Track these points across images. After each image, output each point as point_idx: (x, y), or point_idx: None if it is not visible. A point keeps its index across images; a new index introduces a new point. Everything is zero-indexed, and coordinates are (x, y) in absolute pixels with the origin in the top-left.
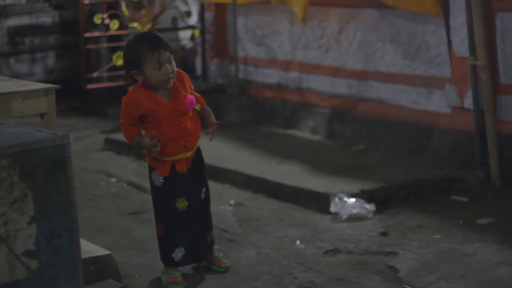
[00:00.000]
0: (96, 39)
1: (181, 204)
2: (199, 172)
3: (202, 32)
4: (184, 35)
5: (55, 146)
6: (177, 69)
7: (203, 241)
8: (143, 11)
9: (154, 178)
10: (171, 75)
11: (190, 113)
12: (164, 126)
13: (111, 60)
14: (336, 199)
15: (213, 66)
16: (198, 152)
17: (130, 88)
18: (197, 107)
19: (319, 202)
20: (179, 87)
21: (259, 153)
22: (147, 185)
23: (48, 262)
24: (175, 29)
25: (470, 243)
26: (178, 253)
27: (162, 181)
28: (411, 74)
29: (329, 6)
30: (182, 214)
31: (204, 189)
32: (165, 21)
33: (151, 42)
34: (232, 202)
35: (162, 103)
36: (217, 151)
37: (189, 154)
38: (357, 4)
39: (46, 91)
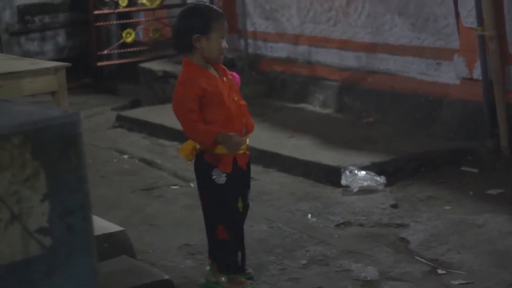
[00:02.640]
0: (105, 17)
1: (240, 204)
2: (249, 172)
3: None
4: None
5: (66, 123)
6: None
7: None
8: None
9: (216, 176)
10: (225, 52)
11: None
12: (227, 102)
13: (121, 37)
14: (347, 172)
15: None
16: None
17: (183, 66)
18: None
19: (330, 175)
20: (223, 67)
21: (270, 127)
22: (159, 161)
23: (61, 239)
24: (184, 5)
25: (480, 214)
26: (239, 257)
27: (225, 178)
28: (419, 45)
29: None
30: (240, 216)
31: (249, 191)
32: None
33: (218, 12)
34: None
35: (217, 78)
36: None
37: (247, 142)
38: None
39: (57, 69)
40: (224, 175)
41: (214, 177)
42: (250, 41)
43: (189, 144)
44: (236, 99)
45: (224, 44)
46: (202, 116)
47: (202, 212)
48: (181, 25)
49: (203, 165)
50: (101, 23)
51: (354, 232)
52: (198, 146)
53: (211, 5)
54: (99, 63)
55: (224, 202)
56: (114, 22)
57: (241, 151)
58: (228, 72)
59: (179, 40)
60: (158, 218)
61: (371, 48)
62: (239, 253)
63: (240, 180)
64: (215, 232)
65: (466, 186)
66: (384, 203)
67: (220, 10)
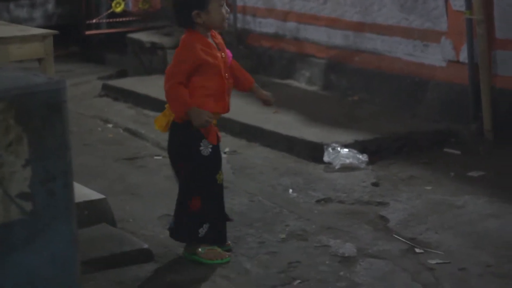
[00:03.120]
0: None
1: (220, 176)
2: None
3: None
4: None
5: (51, 90)
6: None
7: (225, 220)
8: None
9: (203, 147)
10: (228, 15)
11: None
12: (223, 75)
13: (110, 6)
14: (330, 149)
15: None
16: None
17: (183, 36)
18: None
19: (313, 151)
20: (222, 42)
21: (255, 102)
22: (143, 131)
23: (43, 205)
24: None
25: (460, 195)
26: (204, 229)
27: (210, 150)
28: (407, 27)
29: None
30: (219, 188)
31: None
32: None
33: None
34: (226, 150)
35: (217, 51)
36: None
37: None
38: None
39: (44, 37)
40: (211, 146)
41: (201, 148)
42: (239, 15)
43: (165, 116)
44: (227, 76)
45: (225, 9)
46: (198, 83)
47: (178, 181)
48: (178, 3)
49: (190, 135)
50: None
51: (334, 209)
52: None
53: None
54: (88, 32)
55: (205, 174)
56: None
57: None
58: (225, 48)
59: (179, 16)
60: (140, 187)
61: (359, 27)
62: (205, 226)
63: (220, 153)
64: (188, 202)
65: (448, 168)
66: (365, 181)
67: None
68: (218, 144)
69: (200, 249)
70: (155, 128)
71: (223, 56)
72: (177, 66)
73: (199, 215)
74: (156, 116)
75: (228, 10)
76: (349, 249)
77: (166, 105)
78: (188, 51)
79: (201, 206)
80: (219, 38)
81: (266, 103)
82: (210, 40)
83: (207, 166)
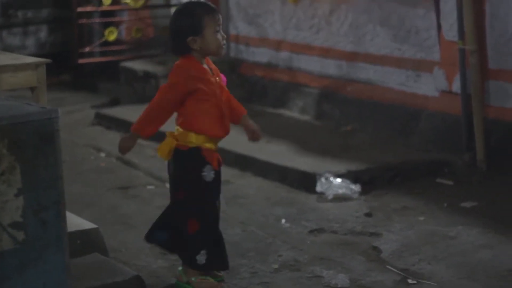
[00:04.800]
0: (88, 14)
1: (218, 202)
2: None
3: None
4: None
5: (43, 120)
6: None
7: (223, 245)
8: None
9: (207, 172)
10: (225, 42)
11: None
12: (219, 101)
13: (103, 35)
14: (323, 179)
15: None
16: None
17: (176, 62)
18: None
19: (306, 181)
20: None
21: None
22: (136, 160)
23: (35, 234)
24: (168, 5)
25: (453, 225)
26: (202, 256)
27: (213, 176)
28: (400, 57)
29: None
30: (217, 214)
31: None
32: None
33: (208, 6)
34: None
35: (211, 75)
36: None
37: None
38: None
39: (37, 65)
40: (213, 172)
41: (204, 173)
42: (232, 44)
43: (167, 144)
44: (223, 99)
45: (222, 35)
46: (194, 107)
47: (173, 206)
48: (173, 28)
49: (196, 160)
50: (83, 21)
51: (327, 239)
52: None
53: (201, 1)
54: (81, 60)
55: (206, 199)
56: (97, 20)
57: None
58: (219, 73)
59: (175, 43)
60: (133, 217)
61: (352, 57)
62: (202, 252)
63: (219, 179)
64: (187, 225)
65: (441, 198)
66: (358, 211)
67: (210, 4)
68: (219, 169)
69: (193, 279)
70: (159, 156)
71: (218, 80)
72: (169, 90)
73: (196, 239)
74: (148, 145)
75: (225, 36)
76: (342, 280)
77: (167, 132)
78: (179, 77)
79: (198, 230)
80: (212, 64)
81: (252, 136)
82: (204, 66)
83: (208, 193)
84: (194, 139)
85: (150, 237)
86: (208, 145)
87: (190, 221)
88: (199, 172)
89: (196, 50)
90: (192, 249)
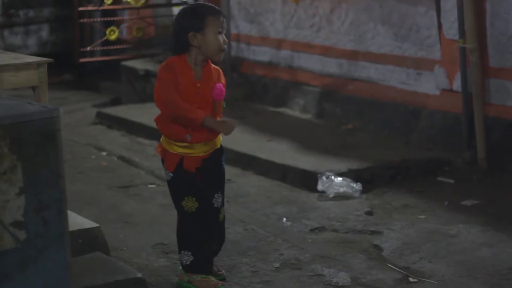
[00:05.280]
0: (90, 13)
1: (189, 204)
2: (213, 176)
3: None
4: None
5: (45, 119)
6: (215, 66)
7: (211, 252)
8: None
9: (165, 171)
10: (225, 47)
11: (216, 108)
12: (190, 103)
13: (104, 34)
14: (324, 178)
15: None
16: (217, 155)
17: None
18: (223, 104)
19: (307, 180)
20: (213, 75)
21: (249, 130)
22: (137, 159)
23: (36, 233)
24: (169, 4)
25: (454, 224)
26: (185, 256)
27: (171, 175)
28: (401, 55)
29: None
30: (190, 216)
31: (217, 195)
32: None
33: (214, 8)
34: None
35: (192, 79)
36: None
37: (205, 150)
38: None
39: (38, 64)
40: (170, 173)
41: (165, 171)
42: (233, 43)
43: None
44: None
45: (223, 39)
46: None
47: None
48: (176, 26)
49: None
50: (85, 20)
51: (328, 238)
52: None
53: (206, 3)
54: (82, 60)
55: (172, 197)
56: (98, 19)
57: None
58: (214, 83)
59: (176, 41)
60: (134, 216)
61: (353, 55)
62: (184, 253)
63: (186, 181)
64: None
65: (442, 196)
66: (359, 209)
67: (215, 6)
68: (180, 172)
69: (194, 277)
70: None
71: (198, 86)
72: (167, 86)
73: (178, 237)
74: (150, 143)
75: (227, 41)
76: (343, 278)
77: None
78: (165, 70)
79: (177, 227)
80: (212, 71)
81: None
82: (194, 68)
83: (172, 191)
84: (164, 143)
85: None
86: (174, 148)
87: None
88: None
89: (195, 47)
90: (179, 246)
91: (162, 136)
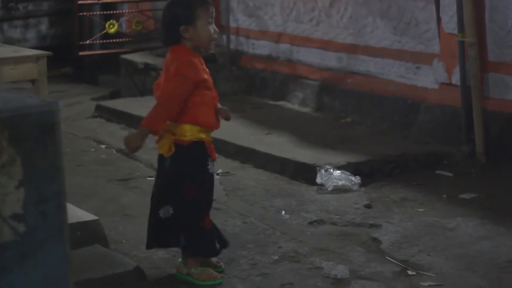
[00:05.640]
0: (89, 7)
1: None
2: None
3: None
4: None
5: (44, 112)
6: None
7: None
8: None
9: (211, 165)
10: (216, 36)
11: None
12: (212, 91)
13: (104, 27)
14: (323, 171)
15: None
16: None
17: (174, 52)
18: None
19: (306, 173)
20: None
21: (248, 124)
22: (136, 153)
23: (35, 226)
24: None
25: (452, 217)
26: (218, 245)
27: (213, 167)
28: (400, 49)
29: None
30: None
31: None
32: None
33: None
34: (219, 171)
35: (205, 67)
36: None
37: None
38: None
39: (38, 58)
40: (213, 163)
41: (209, 166)
42: (232, 37)
43: (167, 140)
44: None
45: (213, 28)
46: (200, 100)
47: (184, 205)
48: (166, 18)
49: (201, 154)
50: (84, 13)
51: (326, 230)
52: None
53: None
54: (81, 53)
55: (212, 191)
56: (98, 12)
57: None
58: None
59: (166, 33)
60: (133, 208)
61: (352, 49)
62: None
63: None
64: (202, 223)
65: (440, 190)
66: (357, 202)
67: None
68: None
69: (193, 270)
70: (159, 153)
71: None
72: (182, 83)
73: (212, 232)
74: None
75: (217, 30)
76: (341, 271)
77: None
78: (190, 69)
79: (211, 223)
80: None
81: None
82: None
83: (213, 183)
84: (189, 131)
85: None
86: (206, 137)
87: (206, 218)
88: (205, 165)
89: (187, 39)
90: (212, 240)
91: (197, 128)
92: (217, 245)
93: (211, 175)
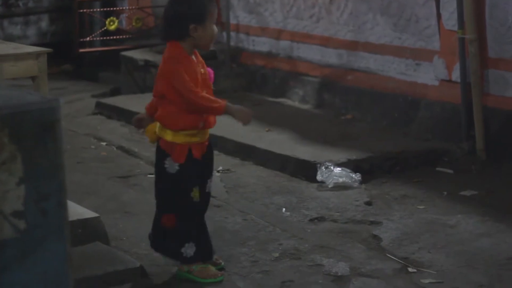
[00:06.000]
0: (89, 3)
1: (196, 194)
2: (210, 161)
3: None
4: None
5: (45, 109)
6: None
7: (209, 236)
8: None
9: (168, 165)
10: (216, 36)
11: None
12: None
13: (104, 24)
14: (323, 168)
15: None
16: (210, 140)
17: (170, 50)
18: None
19: (306, 170)
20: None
21: None
22: (136, 149)
23: (36, 223)
24: None
25: (452, 214)
26: (188, 249)
27: (177, 168)
28: (400, 45)
29: None
30: (197, 206)
31: (210, 180)
32: None
33: None
34: (220, 168)
35: (195, 67)
36: None
37: (207, 136)
38: None
39: (38, 55)
40: (177, 165)
41: (166, 165)
42: (232, 33)
43: (153, 126)
44: (205, 92)
45: (215, 28)
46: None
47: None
48: (176, 12)
49: (158, 152)
50: (84, 10)
51: (327, 228)
52: (156, 130)
53: None
54: (81, 50)
55: (175, 192)
56: (98, 9)
57: (196, 140)
58: (205, 66)
59: (172, 27)
60: (133, 206)
61: (352, 46)
62: (187, 245)
63: (194, 171)
64: (161, 219)
65: (440, 187)
66: (358, 200)
67: None
68: (190, 161)
69: (193, 267)
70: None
71: (203, 72)
72: (183, 79)
73: (177, 234)
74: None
75: (217, 30)
76: (342, 268)
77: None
78: (177, 64)
79: (175, 224)
80: (200, 57)
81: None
82: (192, 57)
83: (175, 185)
84: (170, 137)
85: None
86: (176, 138)
87: (165, 216)
88: (162, 164)
89: (192, 38)
90: (175, 242)
91: (165, 130)
92: (185, 251)
93: (171, 175)
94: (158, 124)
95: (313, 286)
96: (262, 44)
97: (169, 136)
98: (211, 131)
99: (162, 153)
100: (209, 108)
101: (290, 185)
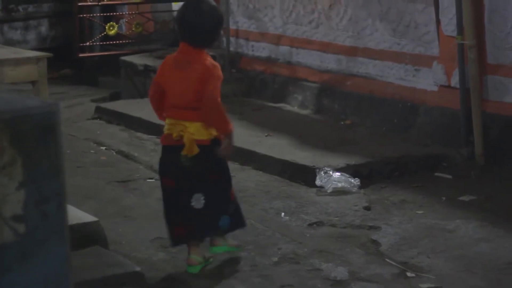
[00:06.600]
0: (89, 8)
1: None
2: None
3: None
4: (177, 7)
5: (45, 113)
6: None
7: None
8: None
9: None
10: None
11: None
12: None
13: (104, 29)
14: (322, 173)
15: None
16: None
17: (201, 56)
18: None
19: (305, 175)
20: None
21: (248, 126)
22: (136, 154)
23: (36, 227)
24: (169, 0)
25: (451, 219)
26: (225, 221)
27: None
28: (399, 51)
29: None
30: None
31: None
32: None
33: None
34: None
35: None
36: None
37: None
38: None
39: (38, 59)
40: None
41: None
42: (232, 39)
43: (192, 142)
44: None
45: None
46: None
47: (215, 189)
48: (213, 22)
49: (206, 151)
50: (84, 15)
51: (326, 232)
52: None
53: None
54: (81, 54)
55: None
56: (98, 14)
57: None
58: None
59: (212, 36)
60: (133, 210)
61: (351, 51)
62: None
63: None
64: (230, 193)
65: (439, 192)
66: (357, 204)
67: None
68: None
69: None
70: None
71: None
72: (217, 86)
73: (225, 205)
74: (149, 138)
75: None
76: (341, 272)
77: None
78: (219, 70)
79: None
80: None
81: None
82: None
83: (226, 168)
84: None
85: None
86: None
87: (232, 191)
88: (214, 156)
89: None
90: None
91: (207, 129)
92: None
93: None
94: (190, 129)
95: None
96: (262, 49)
97: (213, 131)
98: None
99: (210, 148)
100: (226, 122)
101: (289, 190)
